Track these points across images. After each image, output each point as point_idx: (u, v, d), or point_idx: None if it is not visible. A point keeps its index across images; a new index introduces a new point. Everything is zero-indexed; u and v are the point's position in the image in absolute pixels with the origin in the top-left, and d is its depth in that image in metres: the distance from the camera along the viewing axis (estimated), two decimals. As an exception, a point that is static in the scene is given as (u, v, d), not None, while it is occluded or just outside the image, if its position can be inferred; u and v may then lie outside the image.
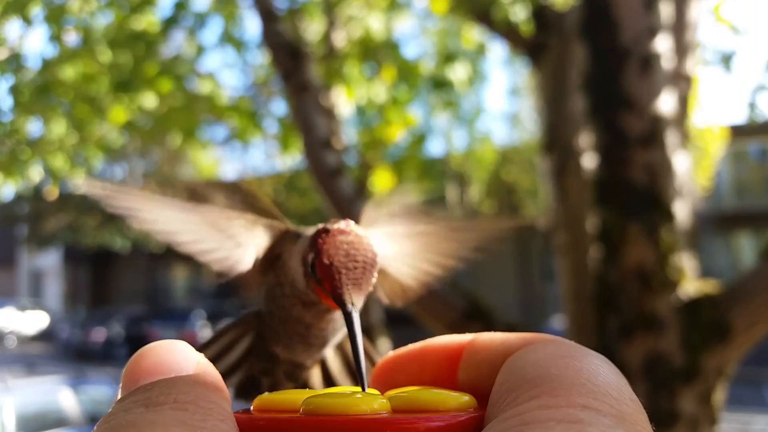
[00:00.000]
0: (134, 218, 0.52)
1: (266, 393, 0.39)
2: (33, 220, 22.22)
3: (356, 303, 0.46)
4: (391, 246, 0.58)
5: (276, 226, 0.57)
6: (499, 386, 0.33)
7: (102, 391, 7.72)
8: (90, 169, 5.50)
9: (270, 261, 0.57)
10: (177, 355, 0.34)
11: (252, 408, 0.38)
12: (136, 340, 16.20)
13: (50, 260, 27.23)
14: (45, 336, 22.93)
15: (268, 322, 0.59)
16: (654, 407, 2.22)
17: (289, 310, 0.55)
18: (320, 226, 0.50)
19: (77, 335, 19.54)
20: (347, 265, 0.46)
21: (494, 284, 18.21)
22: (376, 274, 0.48)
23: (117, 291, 26.73)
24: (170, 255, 24.14)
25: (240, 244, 0.56)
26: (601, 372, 0.32)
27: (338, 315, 0.54)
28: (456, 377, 0.41)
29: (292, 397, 0.37)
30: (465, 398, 0.36)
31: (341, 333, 0.58)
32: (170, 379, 0.32)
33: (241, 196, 0.59)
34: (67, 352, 19.51)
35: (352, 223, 0.50)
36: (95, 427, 0.30)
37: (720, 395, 2.34)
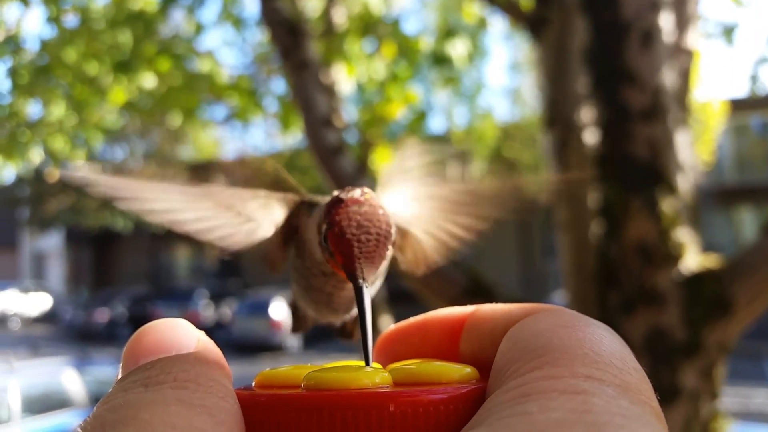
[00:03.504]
0: (131, 203, 0.52)
1: (268, 369, 0.39)
2: (34, 203, 22.26)
3: (368, 277, 0.44)
4: (411, 208, 0.56)
5: (290, 198, 0.55)
6: (500, 357, 0.33)
7: (106, 371, 7.77)
8: (90, 150, 5.50)
9: (288, 234, 0.56)
10: (177, 333, 0.33)
11: (253, 384, 0.38)
12: (140, 321, 16.18)
13: (52, 242, 27.30)
14: (48, 318, 23.07)
15: (296, 291, 0.60)
16: (655, 382, 2.22)
17: (309, 281, 0.55)
18: (335, 194, 0.48)
19: (80, 316, 19.63)
20: (360, 237, 0.44)
21: (495, 260, 18.25)
22: (390, 248, 0.46)
23: (119, 271, 26.80)
24: (173, 235, 24.18)
25: (251, 220, 0.55)
26: (604, 342, 0.31)
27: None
28: (458, 349, 0.41)
29: (293, 372, 0.37)
30: (467, 370, 0.36)
31: None
32: (170, 358, 0.32)
33: (252, 171, 0.58)
34: (70, 333, 19.62)
35: (367, 190, 0.48)
36: (95, 408, 0.30)
37: (721, 370, 2.34)
